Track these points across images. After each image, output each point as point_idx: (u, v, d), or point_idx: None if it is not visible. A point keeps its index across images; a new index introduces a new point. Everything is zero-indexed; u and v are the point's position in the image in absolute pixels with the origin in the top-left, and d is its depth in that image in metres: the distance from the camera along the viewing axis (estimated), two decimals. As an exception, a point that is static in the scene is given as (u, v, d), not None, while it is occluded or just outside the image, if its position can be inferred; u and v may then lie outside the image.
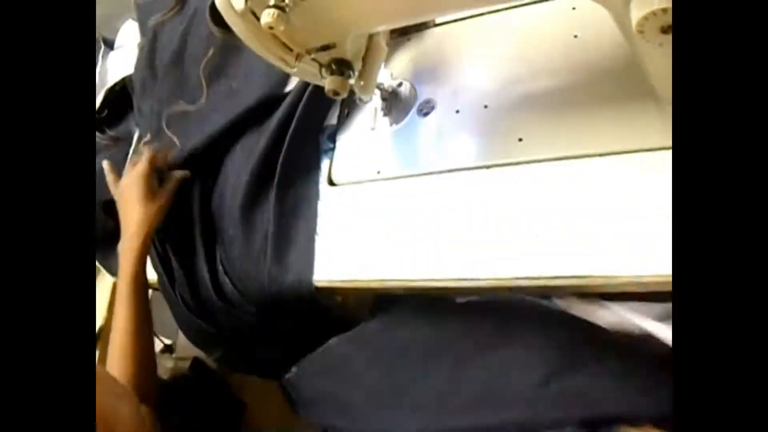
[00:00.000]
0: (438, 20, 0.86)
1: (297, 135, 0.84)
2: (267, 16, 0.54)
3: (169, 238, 0.91)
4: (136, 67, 1.13)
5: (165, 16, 1.13)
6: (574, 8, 0.76)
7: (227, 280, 0.84)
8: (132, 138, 1.11)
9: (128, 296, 0.77)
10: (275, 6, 0.54)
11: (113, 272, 0.99)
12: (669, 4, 0.45)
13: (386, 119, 0.83)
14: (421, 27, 0.87)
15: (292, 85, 0.89)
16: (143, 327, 0.77)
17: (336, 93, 0.66)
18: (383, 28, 0.68)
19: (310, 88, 0.84)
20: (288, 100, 0.86)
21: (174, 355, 1.11)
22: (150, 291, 0.84)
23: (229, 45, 0.98)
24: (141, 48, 1.15)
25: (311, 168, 0.84)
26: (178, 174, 0.90)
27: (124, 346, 0.74)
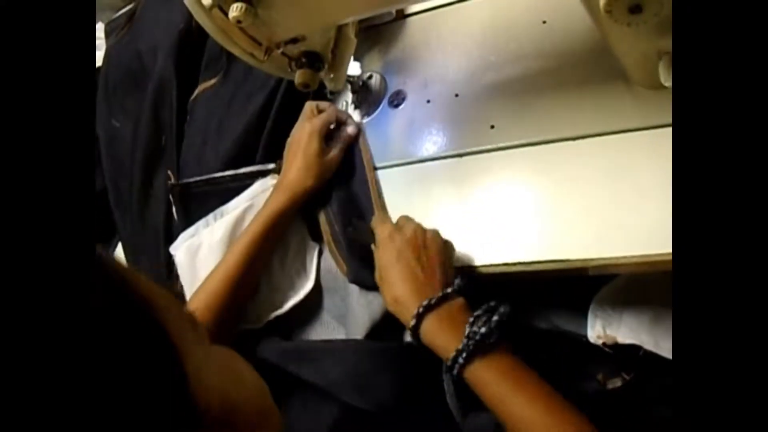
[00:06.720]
0: (406, 10, 0.86)
1: (276, 127, 0.82)
2: (234, 11, 0.53)
3: None
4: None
5: (117, 37, 1.10)
6: (540, -6, 0.76)
7: None
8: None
9: (243, 243, 0.72)
10: (242, 0, 0.53)
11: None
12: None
13: (357, 112, 0.83)
14: (389, 18, 0.87)
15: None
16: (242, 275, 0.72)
17: (306, 86, 0.65)
18: (352, 18, 0.68)
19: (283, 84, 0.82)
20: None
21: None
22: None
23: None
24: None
25: None
26: (348, 133, 0.79)
27: (218, 285, 0.71)
